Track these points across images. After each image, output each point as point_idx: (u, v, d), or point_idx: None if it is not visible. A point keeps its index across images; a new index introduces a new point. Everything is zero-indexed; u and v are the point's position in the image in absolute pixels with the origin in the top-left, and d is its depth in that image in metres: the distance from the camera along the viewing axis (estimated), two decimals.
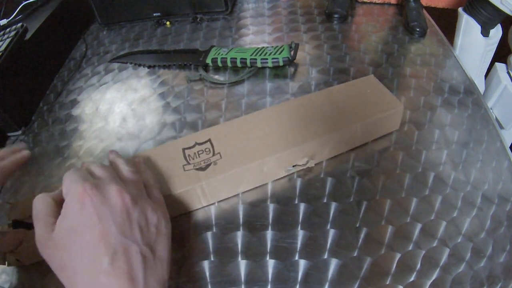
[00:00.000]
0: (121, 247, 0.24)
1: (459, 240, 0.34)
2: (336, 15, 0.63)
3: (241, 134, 0.39)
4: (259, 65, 0.54)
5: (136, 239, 0.25)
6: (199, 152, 0.37)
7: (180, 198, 0.35)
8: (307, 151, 0.38)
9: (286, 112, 0.41)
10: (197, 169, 0.36)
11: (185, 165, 0.37)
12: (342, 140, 0.40)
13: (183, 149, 0.38)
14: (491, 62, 0.70)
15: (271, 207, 0.38)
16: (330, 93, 0.43)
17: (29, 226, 0.32)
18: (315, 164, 0.41)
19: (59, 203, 0.27)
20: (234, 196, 0.39)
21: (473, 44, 0.66)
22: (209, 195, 0.37)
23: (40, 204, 0.27)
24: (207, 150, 0.37)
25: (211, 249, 0.35)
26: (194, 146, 0.38)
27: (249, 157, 0.36)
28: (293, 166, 0.39)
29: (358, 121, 0.39)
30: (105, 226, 0.24)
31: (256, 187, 0.40)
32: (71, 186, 0.26)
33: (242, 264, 0.34)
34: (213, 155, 0.37)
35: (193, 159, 0.37)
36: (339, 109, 0.41)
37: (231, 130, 0.39)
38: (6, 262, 0.33)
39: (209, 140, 0.38)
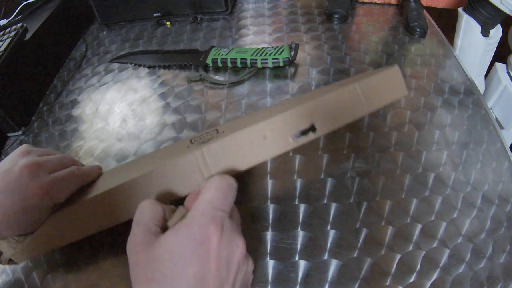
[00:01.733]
0: None
1: (459, 241, 0.35)
2: (336, 16, 0.63)
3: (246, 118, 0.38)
4: (259, 65, 0.54)
5: None
6: (204, 135, 0.37)
7: (181, 170, 0.33)
8: (308, 113, 0.37)
9: (292, 101, 0.41)
10: (199, 143, 0.35)
11: (189, 146, 0.36)
12: (346, 103, 0.38)
13: (190, 140, 0.38)
14: (491, 62, 0.70)
15: (271, 208, 0.38)
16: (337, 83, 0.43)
17: None
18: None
19: (166, 215, 0.26)
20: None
21: (473, 44, 0.66)
22: (210, 164, 0.34)
23: (148, 208, 0.26)
24: (212, 133, 0.37)
25: None
26: (201, 135, 0.38)
27: (249, 124, 0.35)
28: (300, 133, 0.38)
29: (355, 82, 0.38)
30: (219, 266, 0.23)
31: (257, 187, 0.40)
32: (205, 214, 0.25)
33: None
34: (217, 133, 0.37)
35: (197, 140, 0.36)
36: (340, 84, 0.40)
37: (237, 121, 0.39)
38: None
39: (216, 129, 0.38)
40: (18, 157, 0.31)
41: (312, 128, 0.37)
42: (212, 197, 0.26)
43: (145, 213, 0.25)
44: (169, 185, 0.31)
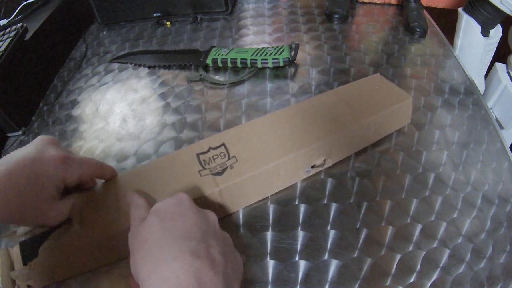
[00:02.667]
0: (207, 242, 0.25)
1: (459, 241, 0.35)
2: (336, 16, 0.63)
3: (255, 137, 0.38)
4: (259, 65, 0.54)
5: (218, 248, 0.26)
6: (214, 157, 0.37)
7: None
8: (322, 150, 0.38)
9: (298, 113, 0.41)
10: (213, 174, 0.35)
11: (200, 170, 0.36)
12: (356, 137, 0.40)
13: (197, 154, 0.37)
14: (491, 62, 0.70)
15: (271, 208, 0.38)
16: (338, 92, 0.43)
17: (36, 249, 0.32)
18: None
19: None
20: None
21: (473, 44, 0.66)
22: (227, 200, 0.36)
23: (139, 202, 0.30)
24: (222, 154, 0.37)
25: None
26: (208, 151, 0.37)
27: (265, 159, 0.36)
28: (312, 167, 0.39)
29: (369, 117, 0.39)
30: (198, 221, 0.26)
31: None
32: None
33: (242, 265, 0.34)
34: (229, 159, 0.36)
35: (208, 164, 0.36)
36: (350, 107, 0.41)
37: (244, 134, 0.39)
38: None
39: (223, 144, 0.38)
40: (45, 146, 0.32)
41: (324, 162, 0.38)
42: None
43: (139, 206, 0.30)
44: None
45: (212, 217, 0.29)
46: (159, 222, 0.26)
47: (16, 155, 0.30)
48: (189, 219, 0.26)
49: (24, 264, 0.31)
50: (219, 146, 0.38)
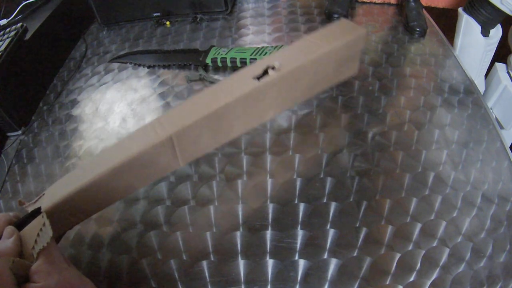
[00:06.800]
0: None
1: (459, 240, 0.34)
2: (335, 15, 0.63)
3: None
4: None
5: None
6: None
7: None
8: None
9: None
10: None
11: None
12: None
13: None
14: (491, 62, 0.70)
15: (270, 207, 0.38)
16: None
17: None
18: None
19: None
20: (234, 196, 0.39)
21: (473, 44, 0.66)
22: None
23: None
24: None
25: (210, 249, 0.35)
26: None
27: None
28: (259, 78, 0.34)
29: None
30: None
31: (257, 186, 0.40)
32: None
33: (242, 264, 0.34)
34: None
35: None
36: None
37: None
38: None
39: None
40: None
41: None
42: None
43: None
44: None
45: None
46: None
47: None
48: None
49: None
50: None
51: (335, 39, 0.38)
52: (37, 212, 0.29)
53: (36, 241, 0.26)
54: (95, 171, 0.30)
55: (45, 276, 0.25)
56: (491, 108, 0.70)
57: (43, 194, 0.31)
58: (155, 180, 0.33)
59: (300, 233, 0.36)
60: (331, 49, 0.37)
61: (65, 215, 0.31)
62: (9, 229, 0.27)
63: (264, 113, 0.37)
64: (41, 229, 0.27)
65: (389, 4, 0.68)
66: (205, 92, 0.34)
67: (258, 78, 0.34)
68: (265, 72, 0.35)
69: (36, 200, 0.31)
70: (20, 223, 0.28)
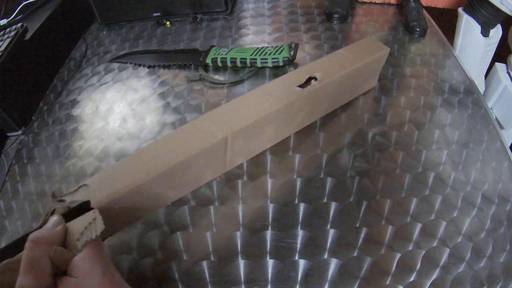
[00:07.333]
0: None
1: (459, 240, 0.34)
2: (336, 15, 0.63)
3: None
4: (259, 65, 0.54)
5: None
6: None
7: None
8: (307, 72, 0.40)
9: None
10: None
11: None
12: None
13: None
14: (491, 62, 0.70)
15: (271, 207, 0.38)
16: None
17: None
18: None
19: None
20: (234, 196, 0.39)
21: (473, 44, 0.66)
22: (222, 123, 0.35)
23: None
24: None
25: (210, 249, 0.35)
26: None
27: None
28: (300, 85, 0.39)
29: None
30: None
31: (257, 186, 0.40)
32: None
33: (242, 264, 0.34)
34: None
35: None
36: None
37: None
38: None
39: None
40: None
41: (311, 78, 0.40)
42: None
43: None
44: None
45: None
46: None
47: None
48: None
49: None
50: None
51: (365, 55, 0.44)
52: (85, 204, 0.27)
53: (82, 233, 0.24)
54: (158, 166, 0.30)
55: (86, 272, 0.22)
56: (491, 108, 0.70)
57: (84, 185, 0.29)
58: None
59: (300, 233, 0.36)
60: (362, 64, 0.42)
61: (117, 213, 0.29)
62: (55, 217, 0.24)
63: (299, 123, 0.43)
64: (90, 223, 0.25)
65: (389, 4, 0.68)
66: (253, 95, 0.38)
67: (302, 86, 0.39)
68: (307, 81, 0.39)
69: (75, 191, 0.29)
70: (67, 215, 0.26)
